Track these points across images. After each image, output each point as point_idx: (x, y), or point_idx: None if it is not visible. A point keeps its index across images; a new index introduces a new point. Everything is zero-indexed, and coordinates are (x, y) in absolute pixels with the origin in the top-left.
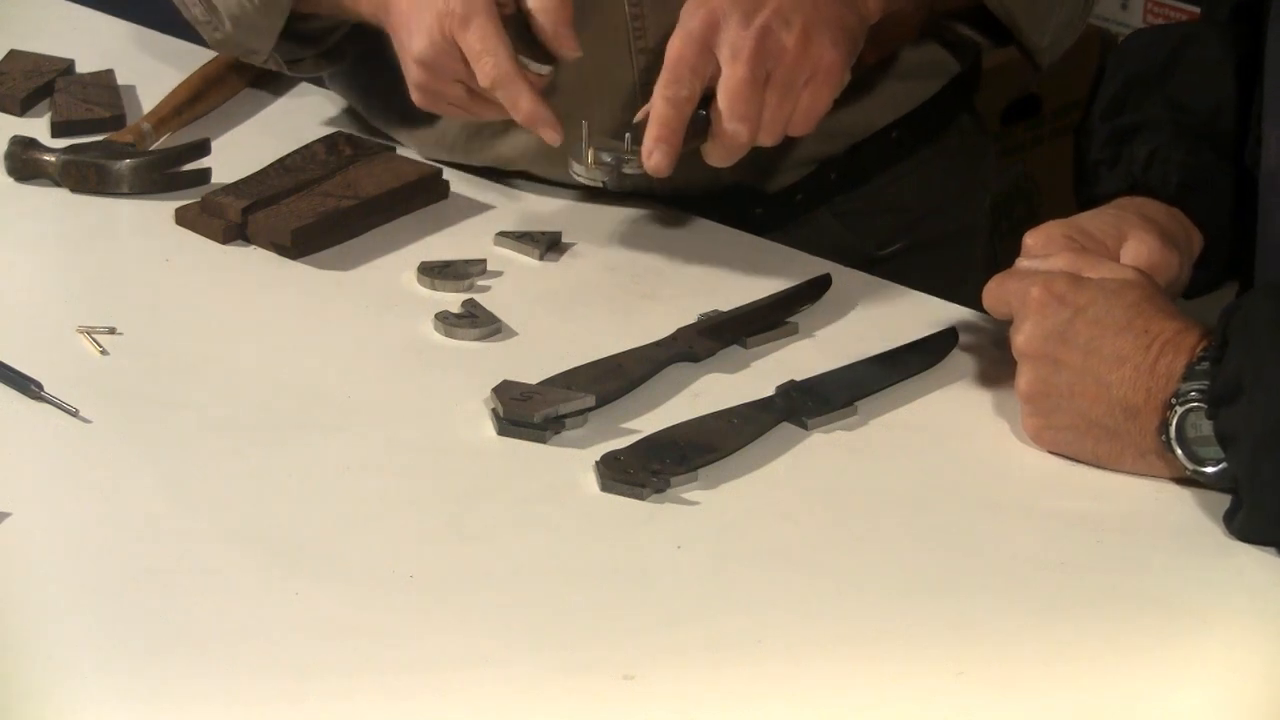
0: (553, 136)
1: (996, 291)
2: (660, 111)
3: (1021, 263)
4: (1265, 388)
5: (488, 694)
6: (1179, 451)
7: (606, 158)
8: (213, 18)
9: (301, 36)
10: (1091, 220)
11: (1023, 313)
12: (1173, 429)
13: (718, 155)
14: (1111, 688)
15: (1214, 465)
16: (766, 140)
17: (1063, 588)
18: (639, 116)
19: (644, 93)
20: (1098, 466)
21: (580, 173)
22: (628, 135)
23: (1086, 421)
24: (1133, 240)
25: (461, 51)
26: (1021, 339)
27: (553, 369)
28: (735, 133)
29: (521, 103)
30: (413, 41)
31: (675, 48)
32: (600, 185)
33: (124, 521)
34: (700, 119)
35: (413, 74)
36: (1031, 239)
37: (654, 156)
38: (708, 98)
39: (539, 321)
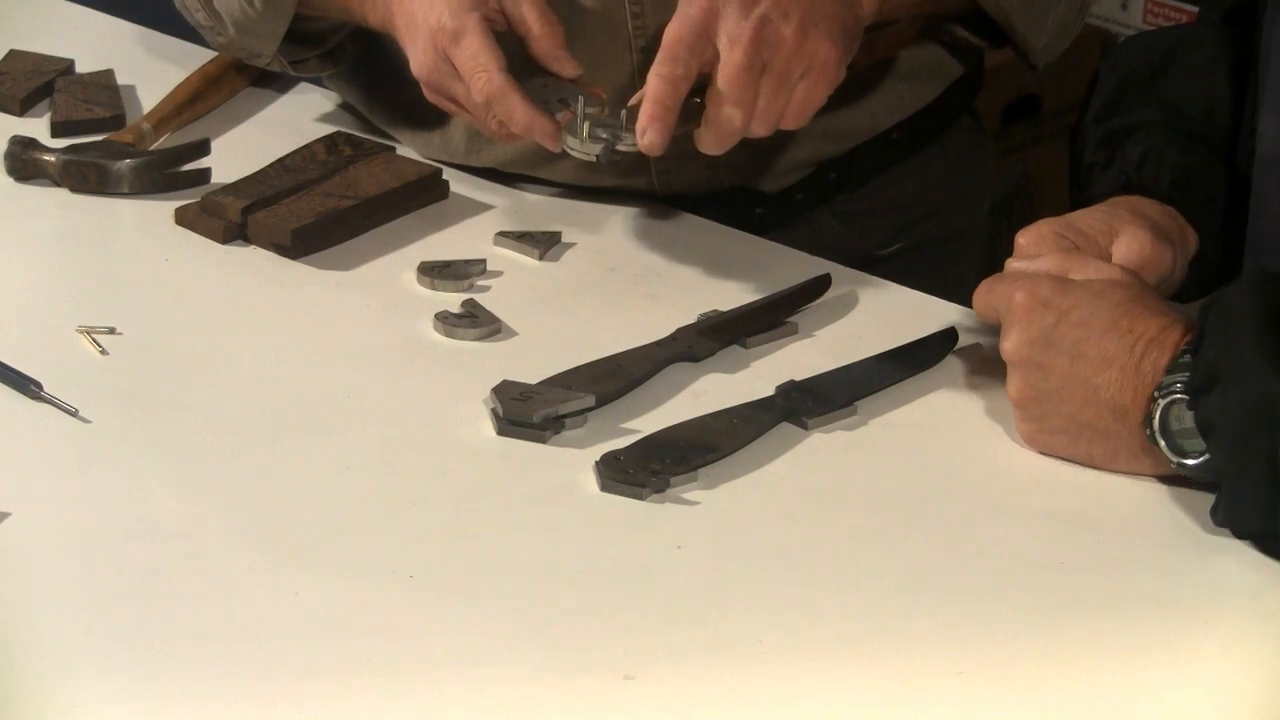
0: (553, 144)
1: (985, 297)
2: (655, 89)
3: (1010, 264)
4: (1240, 374)
5: (488, 694)
6: (1162, 443)
7: (602, 133)
8: (215, 23)
9: (305, 37)
10: (1084, 218)
11: (1009, 319)
12: (1156, 421)
13: (710, 140)
14: (1111, 688)
15: (1196, 458)
16: (759, 129)
17: (1062, 588)
18: (634, 100)
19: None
20: (1093, 468)
21: (575, 146)
22: (624, 113)
23: (1077, 424)
24: (1125, 236)
25: (456, 67)
26: (1009, 345)
27: (553, 369)
28: (729, 117)
29: (517, 114)
30: (412, 59)
31: (673, 30)
32: (594, 159)
33: (124, 521)
34: (694, 106)
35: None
36: (1024, 238)
37: (648, 134)
38: (704, 87)
39: (539, 321)
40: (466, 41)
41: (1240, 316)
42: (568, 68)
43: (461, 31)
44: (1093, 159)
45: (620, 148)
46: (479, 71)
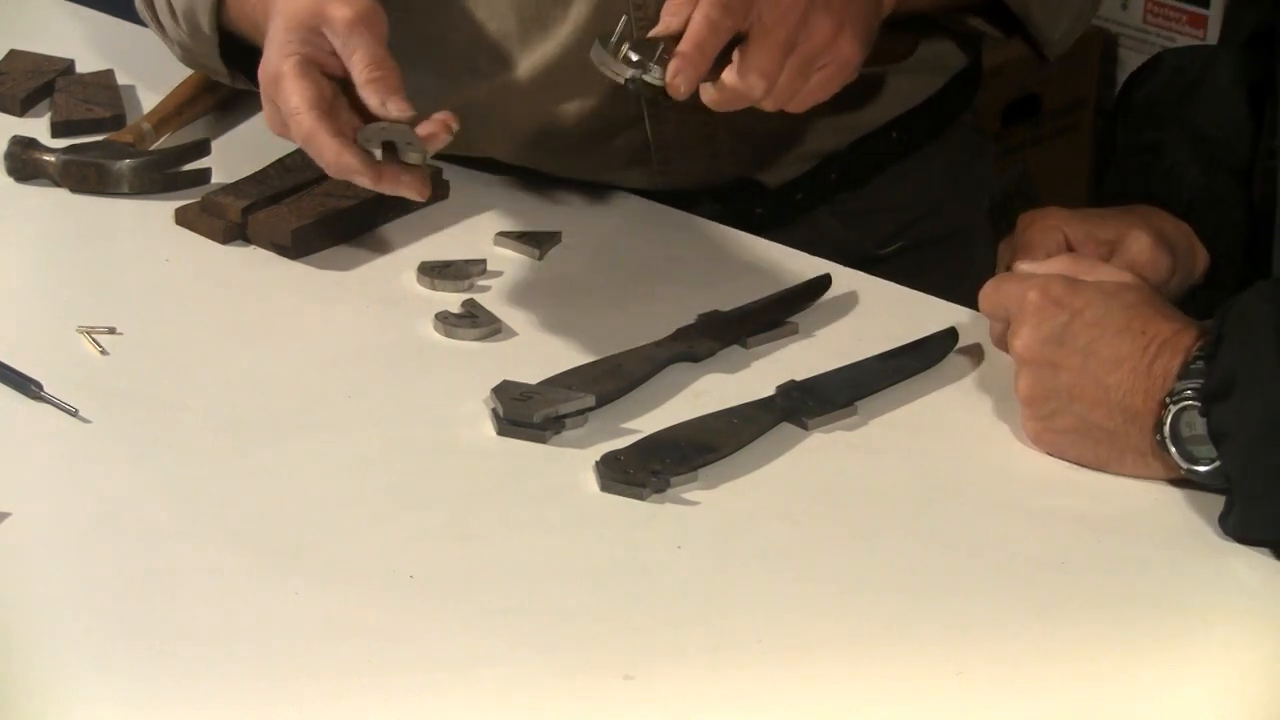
0: (364, 182)
1: (993, 296)
2: (699, 31)
3: (1019, 265)
4: (1259, 383)
5: (488, 694)
6: (1173, 450)
7: (634, 57)
8: (166, 37)
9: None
10: (1094, 219)
11: (1020, 317)
12: (1167, 427)
13: (721, 98)
14: (1111, 688)
15: (1206, 464)
16: (769, 105)
17: (1063, 588)
18: (659, 30)
19: None
20: (1098, 469)
21: (605, 62)
22: (661, 46)
23: (1086, 424)
24: (1128, 239)
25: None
26: (1020, 344)
27: (553, 369)
28: (750, 86)
29: (326, 153)
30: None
31: None
32: (621, 82)
33: (124, 521)
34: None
35: None
36: (1026, 222)
37: (679, 78)
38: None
39: (539, 321)
40: (283, 85)
41: (1261, 323)
42: (394, 110)
43: (280, 76)
44: (1118, 165)
45: (647, 79)
46: (293, 115)
